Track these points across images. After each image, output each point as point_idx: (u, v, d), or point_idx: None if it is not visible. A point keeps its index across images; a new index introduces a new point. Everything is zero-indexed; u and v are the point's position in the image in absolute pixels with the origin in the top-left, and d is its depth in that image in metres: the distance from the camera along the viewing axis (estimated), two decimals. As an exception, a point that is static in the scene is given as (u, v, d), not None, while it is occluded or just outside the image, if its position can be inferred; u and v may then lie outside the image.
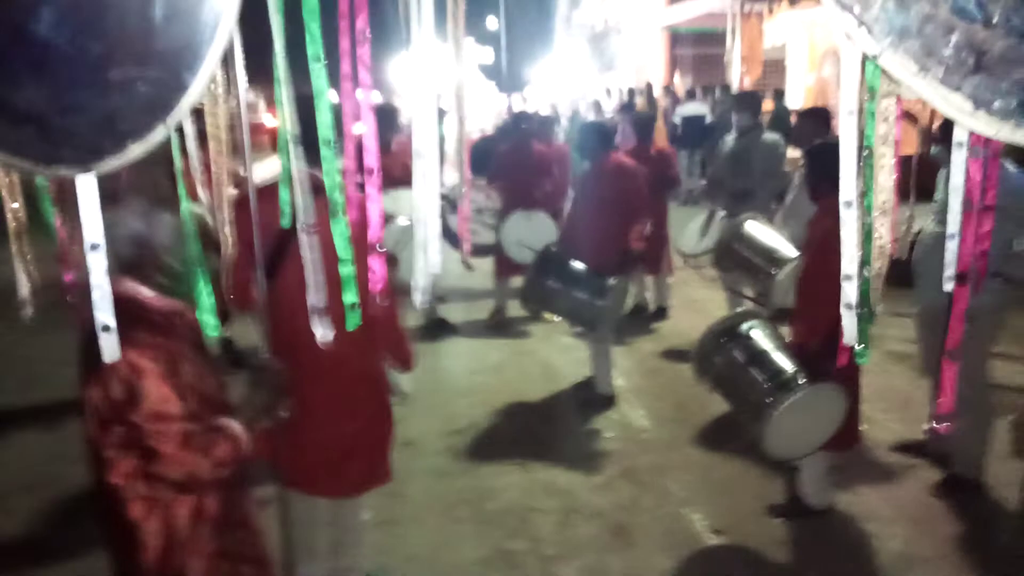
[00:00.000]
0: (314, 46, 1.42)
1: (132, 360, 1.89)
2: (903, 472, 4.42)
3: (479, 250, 7.11)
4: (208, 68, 1.18)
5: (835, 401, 3.43)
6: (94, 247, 1.49)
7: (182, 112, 1.20)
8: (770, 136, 6.69)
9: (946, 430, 1.67)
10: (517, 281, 7.16)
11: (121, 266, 2.00)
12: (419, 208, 1.85)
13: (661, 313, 7.36)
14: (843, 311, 1.72)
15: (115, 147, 1.19)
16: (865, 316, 1.78)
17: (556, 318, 7.03)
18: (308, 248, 1.60)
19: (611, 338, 5.61)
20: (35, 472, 4.56)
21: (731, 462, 4.64)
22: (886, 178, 1.65)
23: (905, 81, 1.23)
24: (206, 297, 1.65)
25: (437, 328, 7.06)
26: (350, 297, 1.77)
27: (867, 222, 1.73)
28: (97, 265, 1.48)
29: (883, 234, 1.70)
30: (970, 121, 1.21)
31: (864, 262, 1.75)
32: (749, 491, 4.28)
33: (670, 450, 4.85)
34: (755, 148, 6.53)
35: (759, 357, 3.62)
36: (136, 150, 1.19)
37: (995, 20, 1.13)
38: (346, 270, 1.78)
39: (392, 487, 4.11)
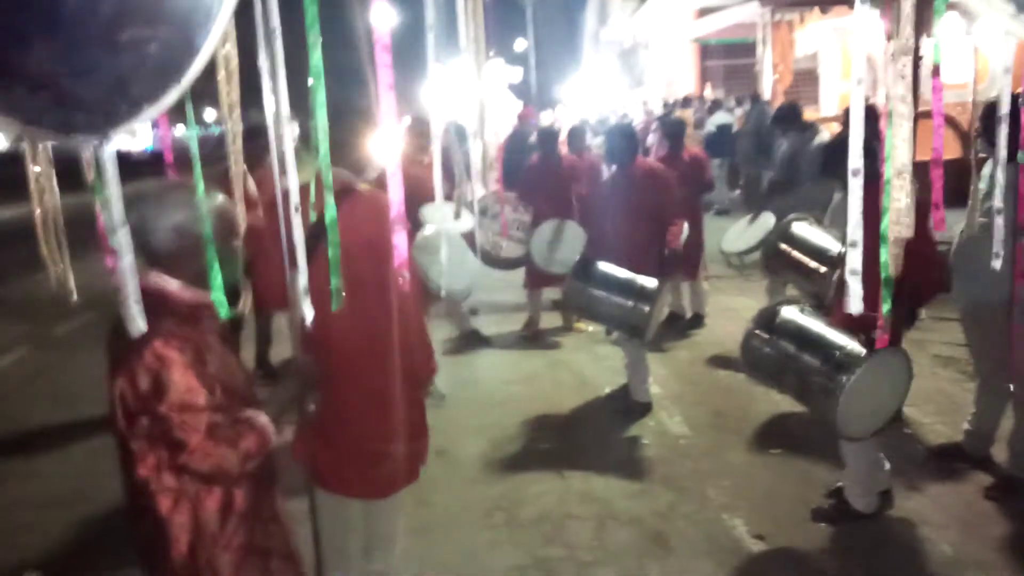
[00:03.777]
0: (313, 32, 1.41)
1: (158, 350, 1.88)
2: (952, 475, 4.26)
3: (508, 263, 7.09)
4: (219, 28, 1.16)
5: (901, 367, 3.31)
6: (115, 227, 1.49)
7: (194, 74, 1.18)
8: (821, 138, 6.64)
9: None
10: (549, 292, 7.13)
11: (159, 257, 1.99)
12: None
13: (697, 320, 7.26)
14: (848, 277, 1.67)
15: (129, 111, 1.17)
16: (887, 282, 1.72)
17: (590, 327, 6.99)
18: (292, 227, 1.61)
19: (647, 345, 5.52)
20: (70, 488, 4.58)
21: (772, 467, 4.53)
22: (903, 139, 1.59)
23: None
24: (218, 278, 1.65)
25: (470, 340, 7.03)
26: (334, 281, 1.77)
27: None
28: (124, 243, 1.48)
29: (900, 197, 1.63)
30: (1013, 25, 1.14)
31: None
32: (792, 496, 4.16)
33: (709, 456, 4.74)
34: (805, 152, 6.52)
35: (815, 338, 3.50)
36: (150, 113, 1.18)
37: None
38: (331, 253, 1.78)
39: (425, 495, 4.09)
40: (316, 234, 2.62)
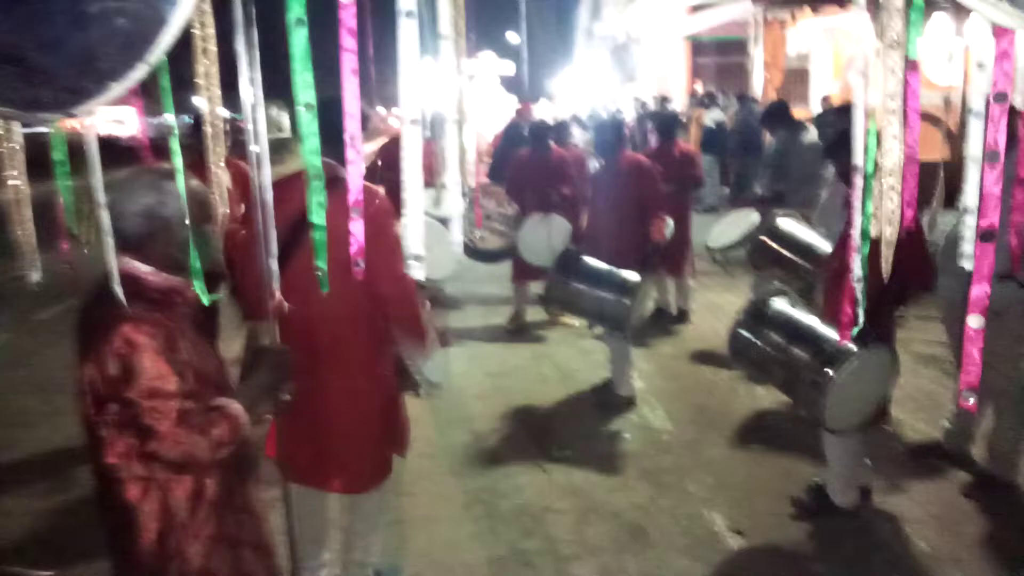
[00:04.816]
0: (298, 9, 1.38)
1: (127, 335, 1.84)
2: (931, 472, 4.28)
3: (489, 256, 7.08)
4: (188, 3, 1.14)
5: (886, 363, 3.33)
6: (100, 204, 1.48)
7: (162, 49, 1.15)
8: (810, 137, 6.65)
9: (972, 407, 1.56)
10: (535, 285, 7.12)
11: (129, 241, 1.96)
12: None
13: (682, 316, 7.26)
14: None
15: (95, 88, 1.14)
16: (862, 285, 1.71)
17: (575, 322, 6.98)
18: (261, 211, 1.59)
19: (631, 339, 5.51)
20: (49, 474, 4.53)
21: (753, 463, 4.54)
22: (894, 139, 1.57)
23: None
24: (198, 265, 1.62)
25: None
26: (321, 263, 1.75)
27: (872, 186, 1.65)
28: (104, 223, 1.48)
29: (892, 198, 1.61)
30: (992, 12, 1.12)
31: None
32: (772, 492, 4.17)
33: (690, 451, 4.74)
34: (794, 152, 6.53)
35: (805, 331, 3.50)
36: (116, 90, 1.15)
37: None
38: (317, 236, 1.75)
39: (406, 486, 4.08)
40: (302, 223, 2.60)
